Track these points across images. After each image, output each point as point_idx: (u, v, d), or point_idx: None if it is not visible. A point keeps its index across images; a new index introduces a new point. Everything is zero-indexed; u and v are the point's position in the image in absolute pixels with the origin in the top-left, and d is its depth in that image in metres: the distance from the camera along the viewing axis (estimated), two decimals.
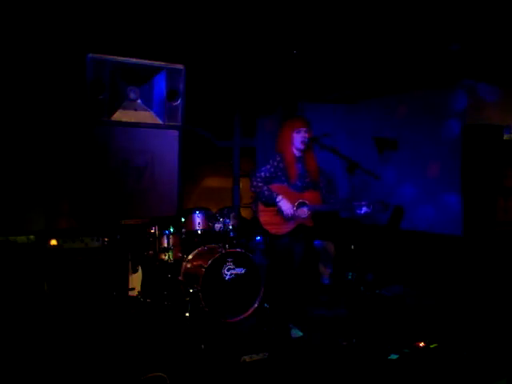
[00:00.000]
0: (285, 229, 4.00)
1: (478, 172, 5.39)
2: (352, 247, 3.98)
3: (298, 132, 4.06)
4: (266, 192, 3.97)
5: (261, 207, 4.04)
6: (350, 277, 5.65)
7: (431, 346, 3.75)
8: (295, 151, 4.11)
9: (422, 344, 3.77)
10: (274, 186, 4.04)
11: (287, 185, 4.08)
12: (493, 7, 3.78)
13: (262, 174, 4.05)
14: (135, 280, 4.59)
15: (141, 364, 3.37)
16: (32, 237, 4.18)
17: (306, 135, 4.05)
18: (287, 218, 3.97)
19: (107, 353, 3.51)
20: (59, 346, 3.58)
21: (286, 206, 3.95)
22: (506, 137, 5.49)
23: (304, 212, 4.04)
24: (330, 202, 4.15)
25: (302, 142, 4.04)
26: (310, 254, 4.64)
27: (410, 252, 5.92)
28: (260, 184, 4.00)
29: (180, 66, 2.84)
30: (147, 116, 2.84)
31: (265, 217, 4.03)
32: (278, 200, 3.95)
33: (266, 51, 4.98)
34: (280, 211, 3.96)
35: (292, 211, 3.96)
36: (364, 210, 3.93)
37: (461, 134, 5.61)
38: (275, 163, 4.08)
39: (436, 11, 3.88)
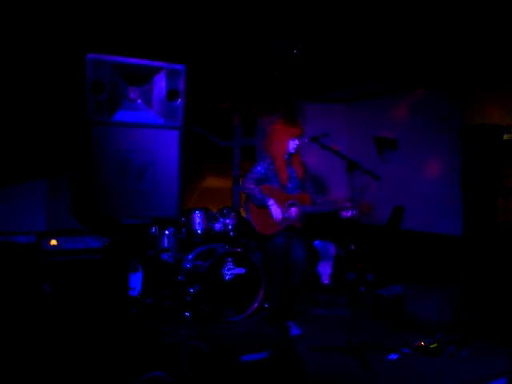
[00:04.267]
0: (272, 230, 4.04)
1: (478, 172, 5.39)
2: (352, 247, 3.98)
3: (294, 140, 4.09)
4: (258, 195, 4.01)
5: (252, 207, 4.08)
6: (350, 277, 5.66)
7: (431, 346, 3.75)
8: (286, 156, 4.15)
9: (422, 344, 3.77)
10: (266, 187, 4.07)
11: (278, 186, 4.10)
12: (492, 8, 3.79)
13: (254, 175, 4.08)
14: (135, 280, 4.59)
15: (141, 364, 3.36)
16: (32, 237, 4.18)
17: (300, 142, 4.10)
18: (277, 222, 4.02)
19: (107, 353, 3.50)
20: (59, 346, 3.58)
21: (275, 210, 4.00)
22: (506, 137, 5.48)
23: (293, 213, 4.07)
24: (317, 202, 4.17)
25: (295, 148, 4.11)
26: (310, 254, 4.64)
27: (410, 252, 5.91)
28: (252, 186, 4.03)
29: (180, 66, 2.84)
30: (147, 116, 2.84)
31: (255, 217, 4.07)
32: (269, 204, 3.99)
33: (266, 51, 4.98)
34: (270, 215, 4.01)
35: (281, 216, 4.02)
36: (350, 212, 3.93)
37: (461, 134, 5.61)
38: (265, 165, 4.11)
39: (436, 11, 3.88)
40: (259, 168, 4.10)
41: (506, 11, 3.79)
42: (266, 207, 4.03)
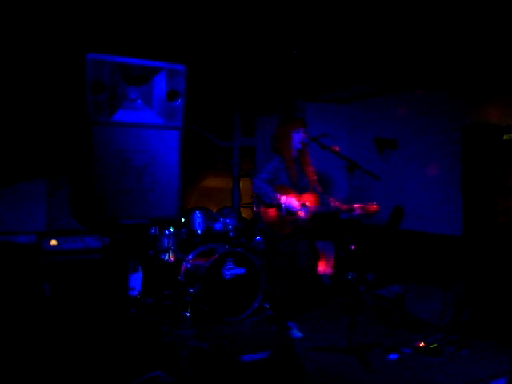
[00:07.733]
0: (285, 230, 4.03)
1: (478, 172, 5.39)
2: (352, 247, 3.98)
3: (297, 132, 4.09)
4: (271, 193, 3.99)
5: (262, 208, 4.06)
6: (349, 277, 5.65)
7: (431, 346, 3.75)
8: (293, 151, 4.13)
9: (422, 344, 3.77)
10: (276, 187, 4.07)
11: (288, 185, 4.10)
12: (493, 7, 3.78)
13: (264, 175, 4.07)
14: (135, 280, 4.59)
15: (141, 364, 3.37)
16: (32, 237, 4.18)
17: (304, 135, 4.09)
18: (292, 214, 4.00)
19: (107, 353, 3.51)
20: (59, 346, 3.58)
21: (292, 202, 3.97)
22: (506, 137, 5.48)
23: (303, 214, 4.06)
24: (324, 203, 4.18)
25: (301, 142, 4.08)
26: (311, 254, 4.65)
27: (410, 252, 5.91)
28: (264, 185, 4.02)
29: (180, 66, 2.84)
30: (147, 116, 2.84)
31: (267, 217, 4.05)
32: (282, 201, 3.97)
33: (265, 51, 4.98)
34: (287, 208, 3.97)
35: (298, 206, 3.99)
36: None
37: (461, 134, 5.61)
38: (275, 164, 4.10)
39: (437, 11, 3.88)
40: (269, 167, 4.11)
41: (506, 13, 3.79)
42: (277, 206, 4.01)
